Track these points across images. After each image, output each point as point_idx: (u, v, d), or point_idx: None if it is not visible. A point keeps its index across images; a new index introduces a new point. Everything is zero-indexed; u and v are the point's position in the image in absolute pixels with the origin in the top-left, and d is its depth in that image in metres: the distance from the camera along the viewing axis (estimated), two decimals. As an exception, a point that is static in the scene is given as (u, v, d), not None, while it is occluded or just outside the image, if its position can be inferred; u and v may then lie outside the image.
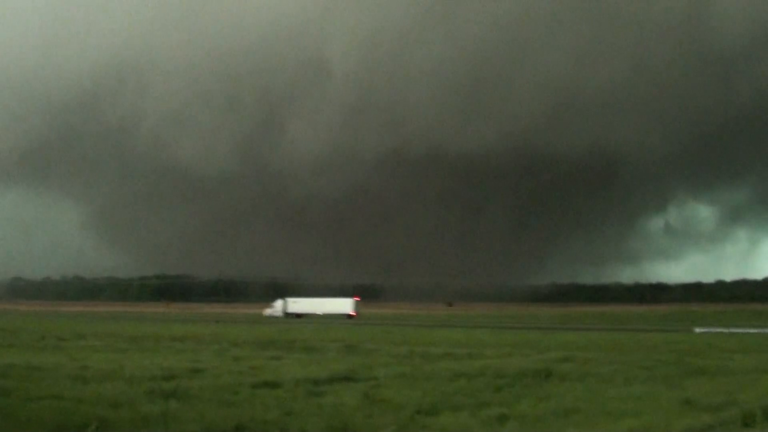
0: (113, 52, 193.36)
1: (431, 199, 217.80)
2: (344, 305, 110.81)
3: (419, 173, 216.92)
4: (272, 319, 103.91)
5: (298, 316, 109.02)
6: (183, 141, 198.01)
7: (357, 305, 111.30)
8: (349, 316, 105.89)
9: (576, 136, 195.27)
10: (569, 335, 50.44)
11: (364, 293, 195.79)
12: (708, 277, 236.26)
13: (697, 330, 61.27)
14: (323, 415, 14.78)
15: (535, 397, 17.76)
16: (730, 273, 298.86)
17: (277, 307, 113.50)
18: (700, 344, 40.08)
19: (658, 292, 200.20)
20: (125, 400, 16.09)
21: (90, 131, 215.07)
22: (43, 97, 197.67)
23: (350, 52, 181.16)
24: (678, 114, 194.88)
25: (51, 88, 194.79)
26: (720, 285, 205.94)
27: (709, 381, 21.26)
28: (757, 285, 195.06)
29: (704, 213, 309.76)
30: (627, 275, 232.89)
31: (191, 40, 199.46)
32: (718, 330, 61.47)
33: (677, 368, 24.75)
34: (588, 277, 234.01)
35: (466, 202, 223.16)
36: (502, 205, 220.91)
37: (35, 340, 39.13)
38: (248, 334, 48.72)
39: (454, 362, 26.75)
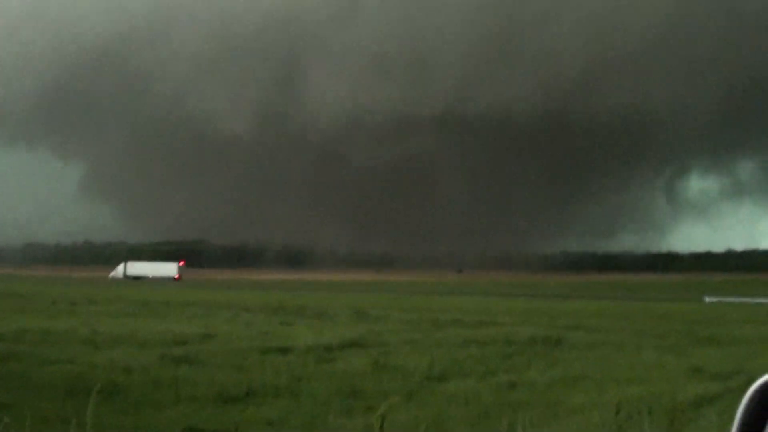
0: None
1: (450, 164, 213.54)
2: (170, 269, 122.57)
3: (439, 136, 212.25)
4: (116, 280, 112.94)
5: (136, 278, 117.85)
6: (205, 92, 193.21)
7: (181, 269, 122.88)
8: (175, 279, 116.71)
9: (604, 98, 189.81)
10: (580, 304, 50.52)
11: (378, 261, 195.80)
12: (719, 246, 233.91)
13: (707, 299, 61.20)
14: (333, 381, 14.90)
15: (545, 364, 17.87)
16: (740, 242, 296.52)
17: (119, 270, 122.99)
18: (710, 313, 40.11)
19: (669, 262, 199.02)
20: (137, 365, 16.27)
21: (106, 86, 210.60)
22: (60, 48, 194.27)
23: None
24: (706, 79, 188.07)
25: (72, 36, 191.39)
26: (731, 254, 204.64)
27: (718, 350, 21.33)
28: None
29: (719, 182, 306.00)
30: (639, 244, 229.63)
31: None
32: (729, 299, 61.37)
33: (687, 337, 24.83)
34: (600, 246, 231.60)
35: (484, 167, 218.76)
36: (522, 173, 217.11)
37: (47, 306, 39.46)
38: (260, 300, 48.93)
39: (464, 329, 26.87)
